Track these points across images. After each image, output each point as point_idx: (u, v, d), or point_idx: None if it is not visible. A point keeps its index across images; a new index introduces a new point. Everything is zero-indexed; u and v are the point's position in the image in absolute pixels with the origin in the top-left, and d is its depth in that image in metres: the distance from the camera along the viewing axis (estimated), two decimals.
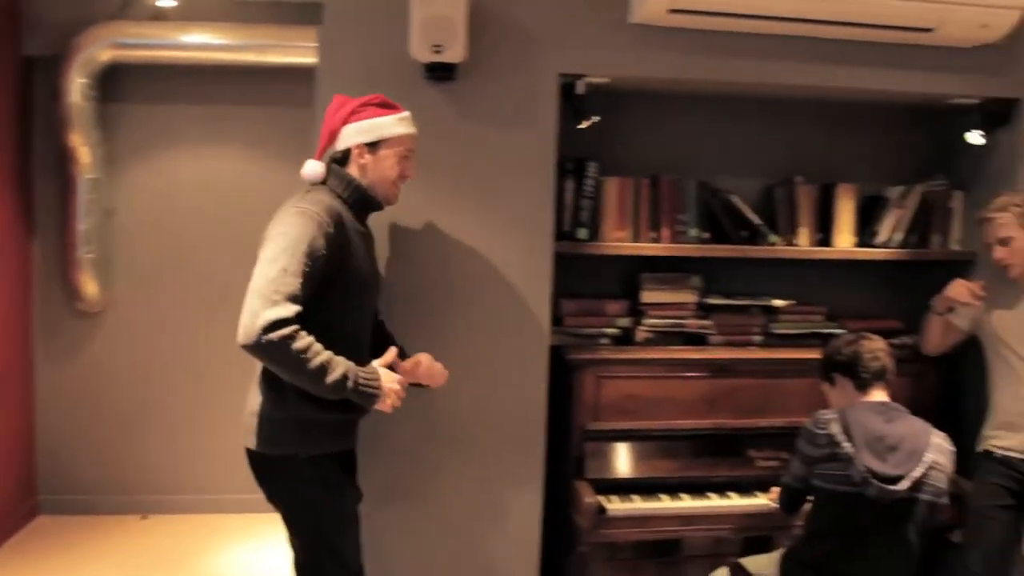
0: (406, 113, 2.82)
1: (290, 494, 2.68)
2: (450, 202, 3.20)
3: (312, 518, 2.69)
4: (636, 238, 3.61)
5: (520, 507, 3.34)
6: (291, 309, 2.39)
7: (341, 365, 2.47)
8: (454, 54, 3.03)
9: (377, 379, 2.56)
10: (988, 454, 3.36)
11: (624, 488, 3.37)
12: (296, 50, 4.88)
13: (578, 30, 3.27)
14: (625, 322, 3.65)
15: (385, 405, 2.58)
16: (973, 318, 3.46)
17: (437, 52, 3.02)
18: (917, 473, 2.74)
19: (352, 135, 2.74)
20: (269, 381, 2.61)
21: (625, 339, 3.65)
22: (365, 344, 2.79)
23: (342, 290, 2.62)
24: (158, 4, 4.95)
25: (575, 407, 3.43)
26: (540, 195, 3.29)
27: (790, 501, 3.06)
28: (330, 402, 2.56)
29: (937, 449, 2.81)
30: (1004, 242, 3.28)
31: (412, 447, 3.23)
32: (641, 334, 3.63)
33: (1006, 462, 3.30)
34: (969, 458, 3.41)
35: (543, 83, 3.26)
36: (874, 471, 2.72)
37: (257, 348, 2.38)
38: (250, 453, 2.69)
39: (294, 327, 2.39)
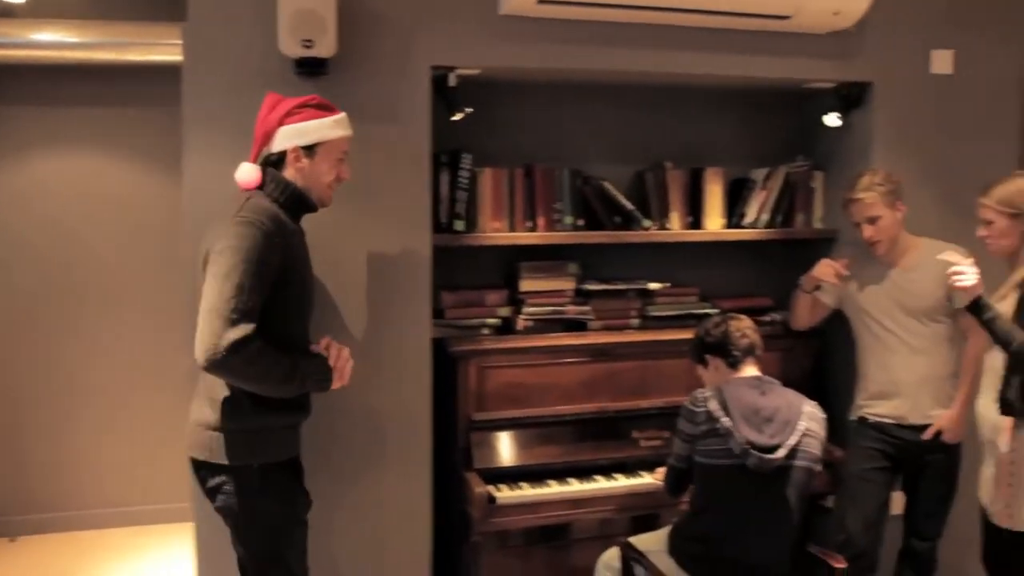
0: (342, 115, 2.78)
1: (241, 504, 2.62)
2: None
3: (261, 526, 2.65)
4: (513, 228, 3.64)
5: (410, 500, 3.33)
6: (250, 327, 2.41)
7: (298, 362, 2.56)
8: (324, 48, 3.00)
9: (324, 362, 2.67)
10: (863, 420, 3.52)
11: (513, 476, 3.41)
12: (159, 47, 4.69)
13: (449, 23, 3.27)
14: (505, 311, 3.68)
15: (344, 379, 2.71)
16: (839, 295, 3.61)
17: (307, 47, 2.98)
18: (792, 441, 2.85)
19: (289, 137, 2.68)
20: (221, 392, 2.58)
21: (506, 328, 3.67)
22: (308, 343, 2.78)
23: (287, 294, 2.61)
24: (5, 0, 4.71)
25: (460, 398, 3.44)
26: (416, 188, 3.29)
27: (676, 482, 3.13)
28: (280, 407, 2.61)
29: (809, 417, 2.92)
30: (872, 221, 3.39)
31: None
32: (522, 323, 3.66)
33: (879, 427, 3.47)
34: (839, 427, 3.56)
35: (415, 76, 3.26)
36: (752, 442, 2.81)
37: (221, 368, 2.40)
38: (199, 464, 2.65)
39: (255, 344, 2.40)
